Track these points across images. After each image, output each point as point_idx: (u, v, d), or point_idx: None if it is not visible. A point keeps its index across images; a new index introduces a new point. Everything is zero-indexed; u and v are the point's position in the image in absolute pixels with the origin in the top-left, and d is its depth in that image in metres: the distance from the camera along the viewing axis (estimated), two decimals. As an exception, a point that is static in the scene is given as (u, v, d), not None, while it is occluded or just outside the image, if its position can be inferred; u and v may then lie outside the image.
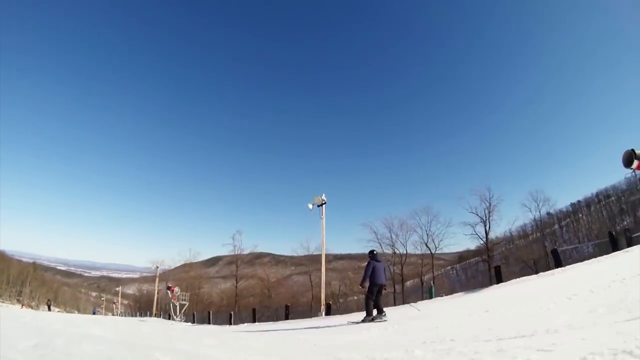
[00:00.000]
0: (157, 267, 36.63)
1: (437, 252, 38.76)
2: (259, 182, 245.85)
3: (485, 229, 34.48)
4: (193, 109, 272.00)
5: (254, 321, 20.04)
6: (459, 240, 59.09)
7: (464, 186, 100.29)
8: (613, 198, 57.30)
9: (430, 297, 18.17)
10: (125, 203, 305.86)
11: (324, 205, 19.23)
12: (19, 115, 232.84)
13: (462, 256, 66.56)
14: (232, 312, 25.47)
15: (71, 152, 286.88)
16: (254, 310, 22.93)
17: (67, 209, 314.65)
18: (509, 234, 51.36)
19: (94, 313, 50.57)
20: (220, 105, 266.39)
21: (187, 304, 27.88)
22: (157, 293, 38.15)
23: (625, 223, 45.30)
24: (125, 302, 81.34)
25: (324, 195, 19.37)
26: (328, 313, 17.43)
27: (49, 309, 40.92)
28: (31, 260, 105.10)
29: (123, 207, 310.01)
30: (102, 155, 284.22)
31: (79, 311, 79.61)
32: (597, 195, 62.47)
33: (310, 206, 19.21)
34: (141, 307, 67.58)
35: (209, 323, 24.31)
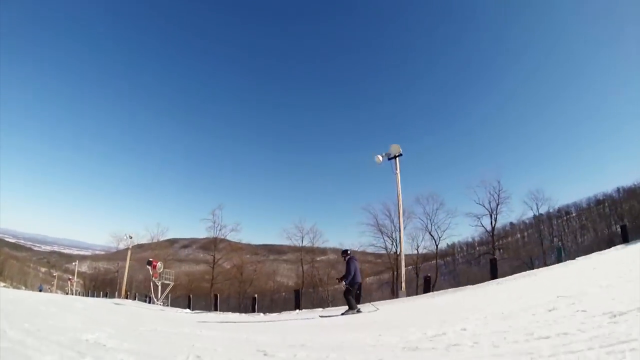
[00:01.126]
0: (131, 237, 29.53)
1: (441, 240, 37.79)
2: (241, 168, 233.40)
3: (492, 221, 34.38)
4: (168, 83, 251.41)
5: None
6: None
7: (464, 176, 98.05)
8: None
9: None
10: (81, 176, 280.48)
11: (398, 158, 14.06)
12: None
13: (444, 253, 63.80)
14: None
15: (28, 115, 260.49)
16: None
17: (19, 177, 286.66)
18: (508, 228, 51.15)
19: (40, 290, 42.69)
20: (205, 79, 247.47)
21: (172, 284, 21.64)
22: (127, 270, 30.99)
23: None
24: (78, 280, 72.58)
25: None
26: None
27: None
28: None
29: (78, 181, 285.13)
30: (64, 122, 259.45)
31: (26, 287, 70.97)
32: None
33: (380, 158, 15.26)
34: (97, 286, 60.58)
35: (207, 310, 18.51)
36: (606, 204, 57.24)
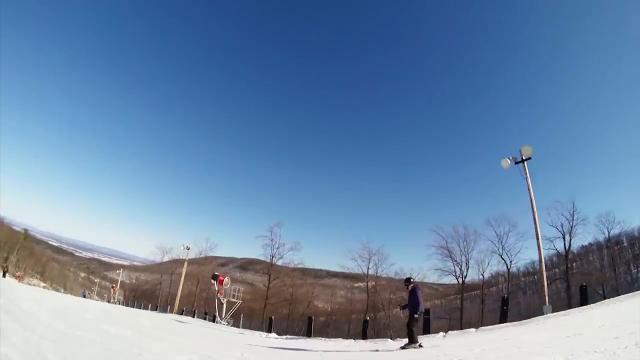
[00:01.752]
0: (188, 249, 27.94)
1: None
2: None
3: (565, 244, 32.57)
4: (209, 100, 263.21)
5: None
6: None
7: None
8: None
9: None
10: (128, 188, 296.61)
11: (526, 162, 12.09)
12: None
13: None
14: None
15: (81, 129, 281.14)
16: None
17: (68, 184, 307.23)
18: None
19: (83, 296, 42.59)
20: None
21: (240, 302, 19.83)
22: (182, 284, 29.49)
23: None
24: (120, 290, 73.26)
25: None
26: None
27: (4, 276, 32.49)
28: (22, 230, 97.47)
29: (123, 192, 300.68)
30: (112, 139, 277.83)
31: (65, 289, 72.35)
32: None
33: (508, 162, 13.63)
34: (137, 296, 60.46)
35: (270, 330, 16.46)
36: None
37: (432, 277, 36.63)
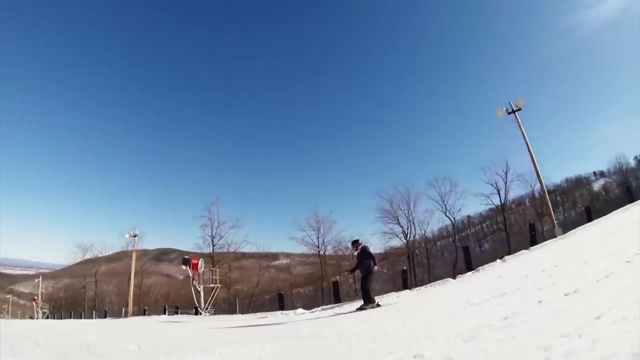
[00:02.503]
0: (135, 235, 23.79)
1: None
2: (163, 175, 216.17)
3: (500, 199, 36.16)
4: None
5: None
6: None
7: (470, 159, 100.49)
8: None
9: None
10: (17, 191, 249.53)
11: (517, 112, 12.83)
12: None
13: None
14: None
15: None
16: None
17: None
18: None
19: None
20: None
21: (219, 286, 18.04)
22: (132, 279, 25.73)
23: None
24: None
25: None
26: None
27: None
28: None
29: (16, 196, 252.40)
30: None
31: None
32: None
33: (503, 111, 12.97)
34: (60, 305, 52.84)
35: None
36: (557, 193, 62.03)
37: (378, 246, 38.53)
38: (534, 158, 14.10)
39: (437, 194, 37.52)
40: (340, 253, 38.81)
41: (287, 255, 64.36)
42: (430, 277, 29.72)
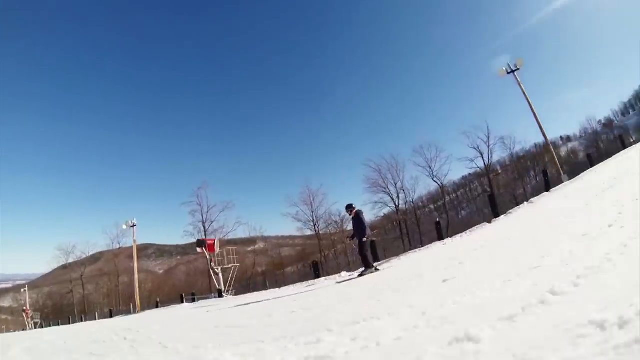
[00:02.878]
0: (134, 226, 22.63)
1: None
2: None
3: (484, 161, 38.38)
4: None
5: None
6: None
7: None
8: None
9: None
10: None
11: (516, 72, 13.76)
12: None
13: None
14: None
15: None
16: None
17: None
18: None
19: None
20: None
21: (237, 265, 18.23)
22: (137, 274, 25.02)
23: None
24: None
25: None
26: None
27: None
28: None
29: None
30: None
31: None
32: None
33: (504, 71, 14.08)
34: (51, 313, 53.23)
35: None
36: (527, 158, 64.34)
37: (370, 215, 38.98)
38: (537, 116, 15.23)
39: (423, 160, 38.37)
40: (331, 230, 39.92)
41: (264, 238, 63.56)
42: (423, 241, 31.02)
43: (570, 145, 69.04)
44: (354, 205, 8.31)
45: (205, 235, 34.98)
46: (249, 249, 61.64)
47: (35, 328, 36.64)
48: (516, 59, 15.16)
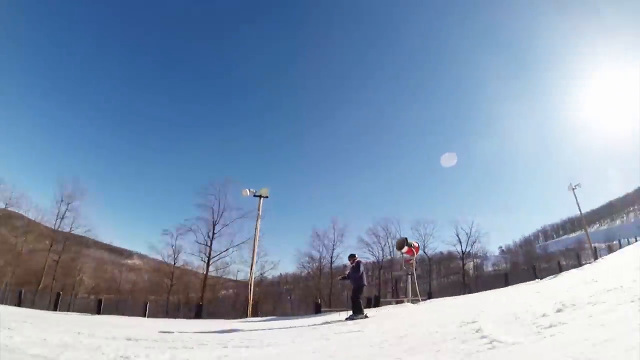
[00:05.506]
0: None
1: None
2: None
3: (462, 249, 42.36)
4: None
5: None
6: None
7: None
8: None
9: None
10: None
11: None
12: None
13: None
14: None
15: None
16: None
17: None
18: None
19: None
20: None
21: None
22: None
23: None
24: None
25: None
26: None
27: None
28: None
29: None
30: None
31: None
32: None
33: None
34: None
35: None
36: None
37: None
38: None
39: (420, 235, 41.51)
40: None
41: (142, 256, 54.91)
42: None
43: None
44: (356, 256, 9.34)
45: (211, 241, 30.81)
46: (123, 261, 56.53)
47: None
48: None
